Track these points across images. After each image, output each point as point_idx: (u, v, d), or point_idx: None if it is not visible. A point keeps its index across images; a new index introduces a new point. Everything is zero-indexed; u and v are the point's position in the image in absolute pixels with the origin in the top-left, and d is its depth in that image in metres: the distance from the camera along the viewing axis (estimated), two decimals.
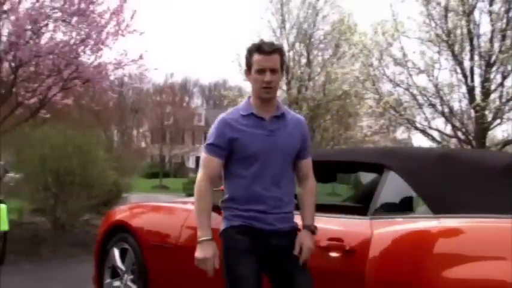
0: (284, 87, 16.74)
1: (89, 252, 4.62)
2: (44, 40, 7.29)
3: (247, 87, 22.81)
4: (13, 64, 7.29)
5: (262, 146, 2.39)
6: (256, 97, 2.46)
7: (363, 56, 12.23)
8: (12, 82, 7.47)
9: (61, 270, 6.08)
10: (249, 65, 2.45)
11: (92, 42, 7.47)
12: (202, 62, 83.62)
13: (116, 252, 3.88)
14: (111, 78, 8.19)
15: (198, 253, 2.35)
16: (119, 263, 3.85)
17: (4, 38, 7.06)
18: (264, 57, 2.38)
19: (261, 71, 2.39)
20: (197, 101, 61.60)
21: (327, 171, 3.65)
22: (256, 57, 2.40)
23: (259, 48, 2.40)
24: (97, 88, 8.90)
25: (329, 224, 2.78)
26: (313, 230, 2.49)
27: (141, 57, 8.00)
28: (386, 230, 2.54)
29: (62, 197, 7.81)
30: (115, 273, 3.90)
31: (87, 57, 7.69)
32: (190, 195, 4.36)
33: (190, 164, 47.80)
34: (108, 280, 3.94)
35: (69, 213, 7.91)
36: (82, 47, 7.50)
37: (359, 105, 15.02)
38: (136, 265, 3.68)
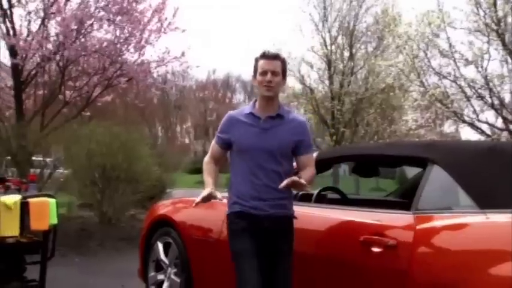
0: (326, 81, 16.58)
1: (135, 246, 4.72)
2: (89, 39, 7.48)
3: (290, 82, 22.72)
4: (61, 63, 7.52)
5: (253, 141, 2.78)
6: (260, 97, 2.85)
7: (408, 47, 11.94)
8: (61, 81, 7.72)
9: (108, 263, 6.23)
10: (255, 70, 2.84)
11: (135, 40, 7.61)
12: (244, 58, 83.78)
13: (160, 246, 3.95)
14: (154, 75, 8.33)
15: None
16: (162, 256, 3.92)
17: (52, 39, 7.30)
18: (267, 61, 2.80)
19: (263, 73, 2.78)
20: (239, 97, 61.68)
21: (369, 165, 3.58)
22: (260, 62, 2.82)
23: (262, 54, 2.83)
24: (140, 86, 9.09)
25: (371, 219, 2.74)
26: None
27: (183, 54, 8.10)
28: (430, 225, 2.47)
29: (108, 192, 7.99)
30: (159, 267, 3.97)
31: (130, 55, 7.85)
32: None
33: None
34: (152, 273, 4.02)
35: (115, 207, 8.08)
36: (126, 46, 7.66)
37: (403, 98, 14.68)
38: (179, 259, 3.74)
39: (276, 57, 2.82)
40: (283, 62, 2.85)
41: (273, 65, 2.78)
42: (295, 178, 2.64)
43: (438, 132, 19.26)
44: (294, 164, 2.94)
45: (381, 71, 14.86)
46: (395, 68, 13.62)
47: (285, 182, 2.62)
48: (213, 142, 2.97)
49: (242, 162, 2.81)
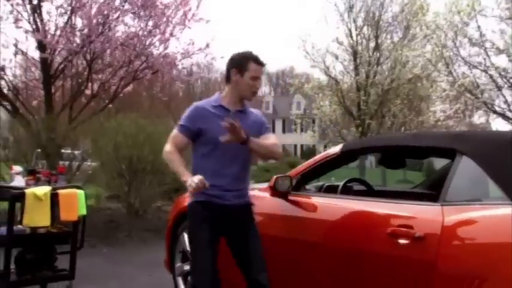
0: (352, 72, 16.41)
1: (161, 237, 4.76)
2: (114, 33, 7.56)
3: (315, 73, 22.50)
4: (88, 57, 7.62)
5: (225, 133, 2.77)
6: (237, 95, 2.93)
7: (436, 37, 11.71)
8: (88, 75, 7.82)
9: (135, 254, 6.32)
10: (242, 68, 2.89)
11: (160, 32, 7.65)
12: (269, 50, 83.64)
13: (186, 237, 3.98)
14: (179, 67, 8.36)
15: (189, 181, 2.74)
16: (188, 247, 3.95)
17: (78, 33, 7.39)
18: (260, 68, 2.91)
19: (255, 79, 2.89)
20: (265, 89, 61.74)
21: (396, 156, 3.53)
22: (253, 66, 2.88)
23: (256, 59, 2.90)
24: (165, 79, 9.15)
25: (398, 210, 2.70)
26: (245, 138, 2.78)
27: (207, 45, 8.11)
28: (459, 216, 2.42)
29: (135, 184, 8.07)
30: (185, 257, 4.00)
31: (155, 49, 7.90)
32: (259, 182, 4.39)
33: None
34: (179, 264, 4.06)
35: (142, 199, 8.17)
36: (150, 38, 7.71)
37: (431, 89, 14.44)
38: None
39: (263, 64, 2.94)
40: None
41: (262, 72, 2.94)
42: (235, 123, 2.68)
43: (468, 123, 18.93)
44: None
45: (408, 61, 14.63)
46: (422, 58, 13.41)
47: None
48: (176, 132, 2.98)
49: (212, 154, 2.87)
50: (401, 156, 3.55)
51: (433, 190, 3.47)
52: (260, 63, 2.90)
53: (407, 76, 14.84)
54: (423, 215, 2.57)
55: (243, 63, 2.89)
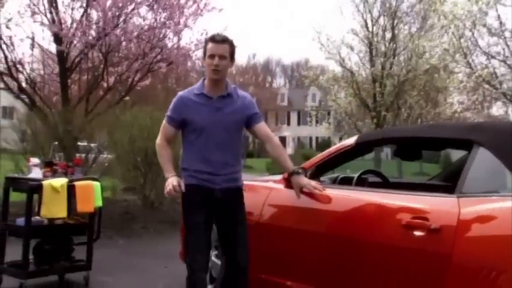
0: (367, 64, 16.27)
1: (177, 229, 4.80)
2: (130, 25, 7.57)
3: (330, 65, 22.37)
4: (103, 50, 7.66)
5: (207, 120, 2.93)
6: (208, 79, 2.99)
7: (454, 27, 11.53)
8: (104, 67, 7.87)
9: (151, 246, 6.37)
10: (204, 53, 2.99)
11: (173, 23, 7.64)
12: (284, 42, 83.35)
13: None
14: (193, 59, 8.34)
15: (166, 184, 2.93)
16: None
17: (94, 26, 7.43)
18: (215, 45, 2.93)
19: (211, 57, 2.92)
20: (280, 81, 61.61)
21: (411, 148, 3.50)
22: (209, 45, 2.95)
23: (211, 38, 2.97)
24: (180, 70, 9.15)
25: (413, 202, 2.68)
26: (299, 172, 3.11)
27: None
28: (476, 208, 2.39)
29: (150, 176, 8.13)
30: None
31: (170, 41, 7.89)
32: (274, 174, 4.38)
33: None
34: None
35: (158, 191, 8.21)
36: (164, 30, 7.70)
37: (448, 80, 14.25)
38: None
39: (224, 41, 2.94)
40: (231, 45, 2.98)
41: (220, 49, 2.92)
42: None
43: (486, 114, 18.68)
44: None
45: (425, 51, 14.45)
46: (440, 49, 13.22)
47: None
48: (165, 124, 3.11)
49: (197, 141, 2.96)
50: (418, 148, 3.51)
51: (449, 182, 3.43)
52: (214, 41, 2.93)
53: (424, 67, 14.66)
54: (439, 206, 2.55)
55: (204, 48, 3.00)
